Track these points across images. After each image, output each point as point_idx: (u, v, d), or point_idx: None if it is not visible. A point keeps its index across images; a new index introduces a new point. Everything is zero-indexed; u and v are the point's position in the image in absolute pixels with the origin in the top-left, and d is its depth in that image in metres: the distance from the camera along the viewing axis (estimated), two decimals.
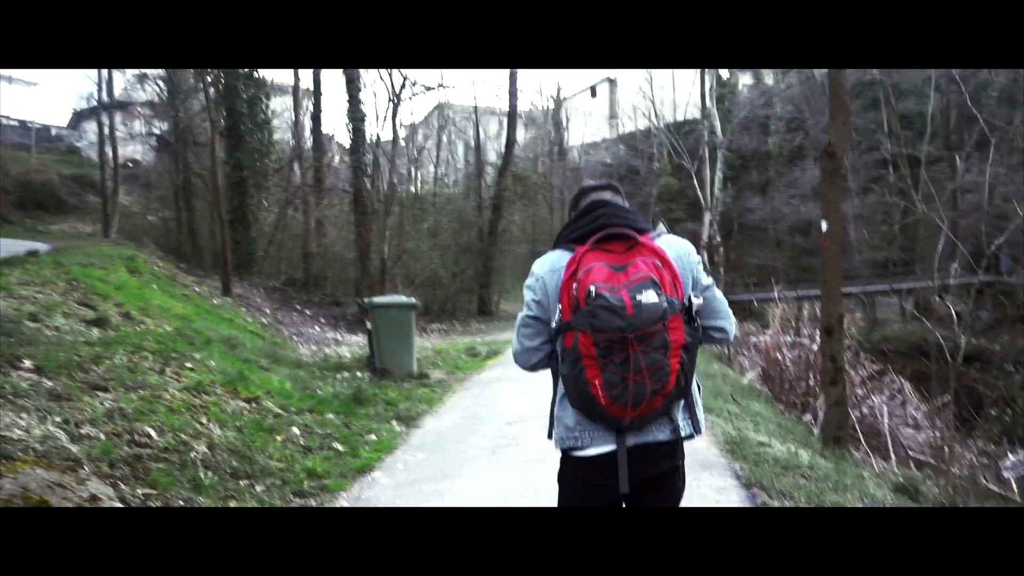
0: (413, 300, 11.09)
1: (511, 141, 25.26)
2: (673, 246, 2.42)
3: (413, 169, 27.24)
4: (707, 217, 21.94)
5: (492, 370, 11.94)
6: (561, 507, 2.45)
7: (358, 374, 10.68)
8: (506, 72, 25.06)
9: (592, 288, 2.17)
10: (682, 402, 2.34)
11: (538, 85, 52.11)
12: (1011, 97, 31.09)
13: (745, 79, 44.49)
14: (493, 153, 32.16)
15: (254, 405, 7.45)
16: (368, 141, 20.56)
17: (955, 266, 12.85)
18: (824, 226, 7.69)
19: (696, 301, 2.28)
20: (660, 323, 2.15)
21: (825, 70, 25.70)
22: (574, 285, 2.23)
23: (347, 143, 22.16)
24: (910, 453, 9.90)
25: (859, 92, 32.08)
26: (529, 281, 2.48)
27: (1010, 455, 9.11)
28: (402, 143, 25.15)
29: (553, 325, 2.34)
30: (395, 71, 20.35)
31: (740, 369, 13.00)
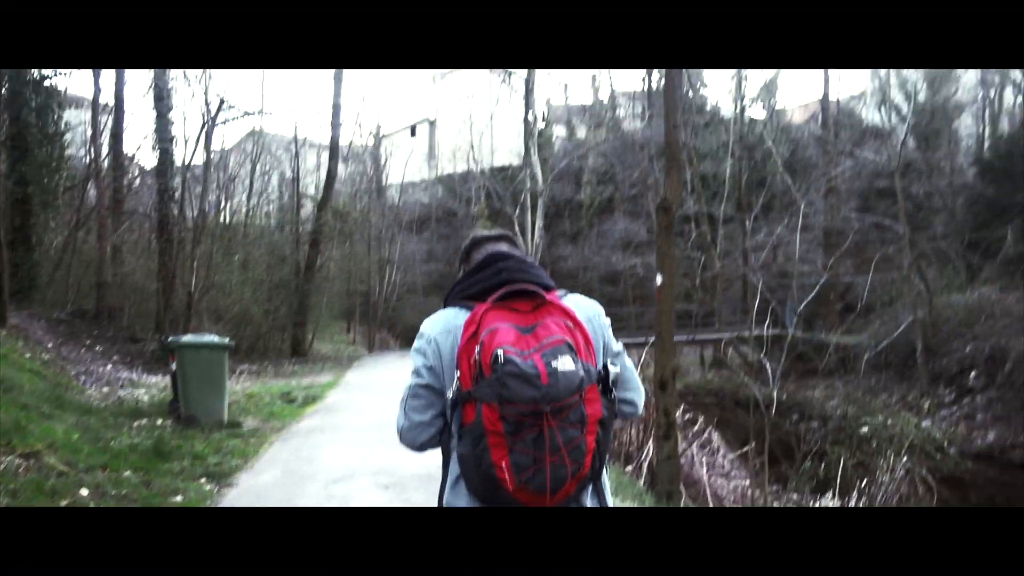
0: (226, 340, 10.20)
1: (332, 175, 24.44)
2: (582, 307, 2.16)
3: (223, 197, 25.67)
4: None
5: (312, 418, 11.18)
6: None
7: (159, 422, 9.61)
8: (328, 102, 24.35)
9: (499, 352, 1.85)
10: (591, 486, 2.04)
11: (358, 120, 51.16)
12: (792, 166, 34.52)
13: (559, 131, 46.20)
14: (311, 187, 31.07)
15: (33, 462, 6.40)
16: (176, 164, 19.11)
17: (767, 321, 13.66)
18: (659, 280, 7.83)
19: (613, 369, 2.00)
20: (577, 394, 1.86)
21: (637, 130, 27.21)
22: (476, 348, 1.90)
23: (150, 164, 20.51)
24: (724, 503, 10.26)
25: (663, 152, 34.23)
26: (419, 344, 2.13)
27: (816, 504, 9.65)
28: (213, 170, 23.66)
29: (449, 396, 1.98)
30: (211, 92, 19.19)
31: None
